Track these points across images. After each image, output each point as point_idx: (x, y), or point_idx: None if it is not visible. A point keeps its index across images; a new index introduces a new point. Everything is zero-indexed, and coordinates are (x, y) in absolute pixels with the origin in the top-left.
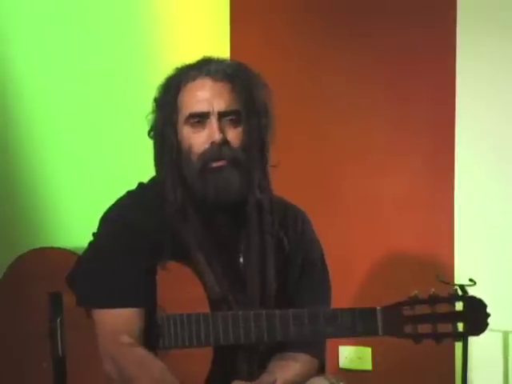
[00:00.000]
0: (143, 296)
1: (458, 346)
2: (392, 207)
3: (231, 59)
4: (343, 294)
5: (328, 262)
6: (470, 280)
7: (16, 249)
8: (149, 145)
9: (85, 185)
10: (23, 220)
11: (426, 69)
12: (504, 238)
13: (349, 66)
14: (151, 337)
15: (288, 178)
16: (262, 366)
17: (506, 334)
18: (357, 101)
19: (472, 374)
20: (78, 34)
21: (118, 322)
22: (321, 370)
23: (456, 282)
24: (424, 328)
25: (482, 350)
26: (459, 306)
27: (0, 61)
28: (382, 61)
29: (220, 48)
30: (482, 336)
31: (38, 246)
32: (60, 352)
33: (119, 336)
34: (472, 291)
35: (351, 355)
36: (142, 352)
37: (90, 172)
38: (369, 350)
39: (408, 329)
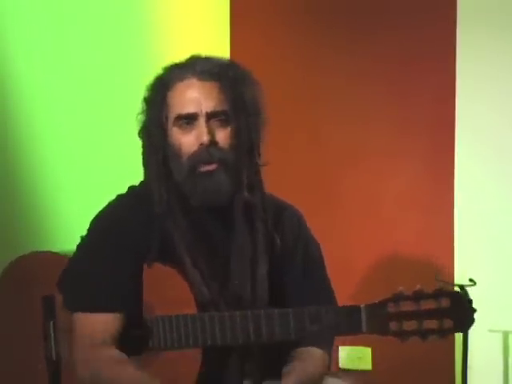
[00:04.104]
0: (123, 301)
1: (458, 345)
2: (392, 208)
3: (230, 59)
4: (344, 295)
5: (328, 262)
6: (470, 280)
7: (13, 251)
8: None
9: (84, 186)
10: (21, 221)
11: (426, 70)
12: (504, 239)
13: (348, 66)
14: (138, 338)
15: (287, 180)
16: (261, 370)
17: (505, 334)
18: (357, 102)
19: (472, 374)
20: (79, 33)
21: (96, 326)
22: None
23: (456, 282)
24: (409, 325)
25: (482, 349)
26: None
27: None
28: (381, 62)
29: (220, 48)
30: (482, 336)
31: (36, 247)
32: (54, 355)
33: (96, 341)
34: (472, 291)
35: (351, 355)
36: (118, 357)
37: (90, 173)
38: (369, 350)
39: (393, 326)
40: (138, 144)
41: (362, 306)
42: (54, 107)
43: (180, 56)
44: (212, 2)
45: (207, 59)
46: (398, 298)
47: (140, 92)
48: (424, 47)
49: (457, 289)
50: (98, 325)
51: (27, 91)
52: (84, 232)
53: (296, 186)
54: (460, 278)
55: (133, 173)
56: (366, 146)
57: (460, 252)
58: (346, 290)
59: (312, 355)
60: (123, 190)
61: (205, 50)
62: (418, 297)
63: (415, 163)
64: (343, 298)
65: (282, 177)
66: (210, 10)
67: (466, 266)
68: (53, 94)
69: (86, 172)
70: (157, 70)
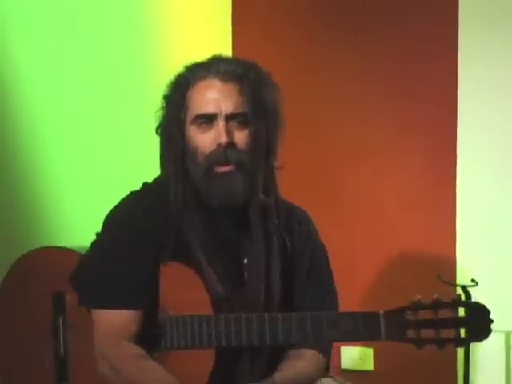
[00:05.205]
0: (142, 298)
1: None
2: (394, 209)
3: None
4: (346, 294)
5: (331, 262)
6: (472, 280)
7: (19, 248)
8: (152, 143)
9: (88, 183)
10: (26, 219)
11: (428, 69)
12: (506, 239)
13: (350, 66)
14: (153, 338)
15: (289, 179)
16: (267, 367)
17: (508, 335)
18: (359, 102)
19: (474, 374)
20: (80, 32)
21: (115, 322)
22: (327, 368)
23: (458, 282)
24: (426, 333)
25: (484, 350)
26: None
27: (1, 57)
28: (384, 61)
29: (222, 47)
30: None
31: (41, 245)
32: (62, 351)
33: (115, 338)
34: (474, 292)
35: (353, 356)
36: (137, 350)
37: (93, 170)
38: (371, 350)
39: (410, 334)
40: (139, 141)
41: (380, 312)
42: (55, 104)
43: (182, 55)
44: (214, 2)
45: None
46: (416, 307)
47: (142, 91)
48: (426, 47)
49: (459, 289)
50: (118, 321)
51: (28, 88)
52: (88, 231)
53: (297, 185)
54: (462, 278)
55: (136, 171)
56: (368, 145)
57: (462, 252)
58: (347, 290)
59: (302, 355)
60: (125, 186)
61: (207, 49)
62: (436, 306)
63: (417, 162)
64: (345, 297)
65: (282, 176)
66: (211, 8)
67: (468, 267)
68: (54, 92)
69: (89, 171)
70: (159, 69)
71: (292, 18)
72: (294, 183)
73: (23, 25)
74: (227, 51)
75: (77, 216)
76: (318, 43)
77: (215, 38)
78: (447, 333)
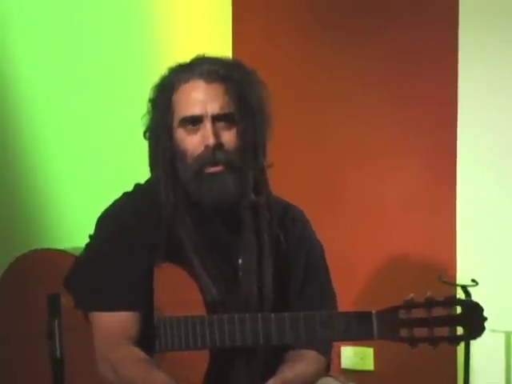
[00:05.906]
0: (139, 299)
1: (461, 346)
2: (394, 209)
3: (232, 57)
4: (346, 295)
5: (331, 263)
6: (473, 280)
7: (18, 248)
8: None
9: (88, 183)
10: (26, 219)
11: (428, 70)
12: (506, 239)
13: (351, 66)
14: (148, 339)
15: (289, 180)
16: (264, 368)
17: (508, 335)
18: (359, 102)
19: (474, 374)
20: (80, 31)
21: (115, 325)
22: (327, 368)
23: (458, 282)
24: (420, 332)
25: (484, 350)
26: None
27: (1, 57)
28: (384, 62)
29: (222, 46)
30: (484, 336)
31: (40, 245)
32: (58, 353)
33: (116, 340)
34: (474, 292)
35: (353, 356)
36: (141, 355)
37: (93, 170)
38: (371, 350)
39: (404, 333)
40: (139, 141)
41: (373, 312)
42: (55, 104)
43: (182, 54)
44: (214, 1)
45: (213, 60)
46: (409, 305)
47: (142, 90)
48: (426, 47)
49: (459, 289)
50: (117, 324)
51: (28, 88)
52: (86, 229)
53: (298, 186)
54: (462, 278)
55: (134, 170)
56: (368, 145)
57: (462, 252)
58: (347, 290)
59: (303, 357)
60: (125, 186)
61: (207, 49)
62: (429, 304)
63: (418, 163)
64: (345, 297)
65: (283, 177)
66: (212, 8)
67: (469, 267)
68: (54, 92)
69: (88, 172)
70: (159, 68)
71: (292, 18)
72: (294, 183)
73: (23, 25)
74: (227, 51)
75: (77, 216)
76: (318, 43)
77: (215, 37)
78: (441, 331)
